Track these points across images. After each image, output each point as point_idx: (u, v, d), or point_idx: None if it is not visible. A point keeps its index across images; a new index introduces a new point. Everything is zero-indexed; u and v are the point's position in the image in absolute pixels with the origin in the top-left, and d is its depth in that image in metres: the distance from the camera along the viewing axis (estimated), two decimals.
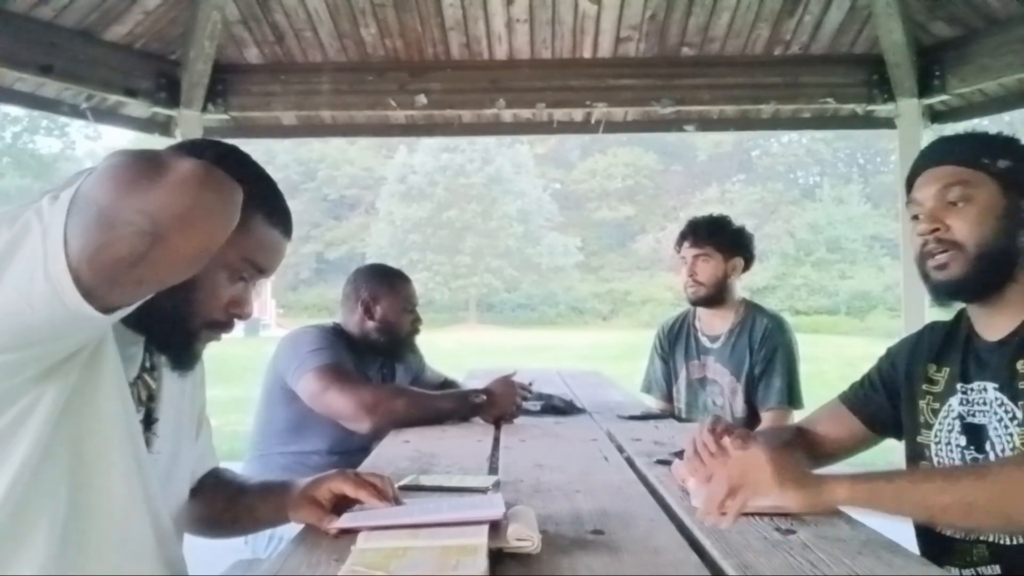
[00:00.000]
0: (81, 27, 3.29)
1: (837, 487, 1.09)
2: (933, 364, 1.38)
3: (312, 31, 3.68)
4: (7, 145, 35.44)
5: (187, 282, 0.96)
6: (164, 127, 3.94)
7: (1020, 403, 1.20)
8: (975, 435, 1.28)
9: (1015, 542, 1.20)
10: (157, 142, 4.12)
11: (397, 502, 1.10)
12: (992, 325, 1.29)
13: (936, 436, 1.35)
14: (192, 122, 3.78)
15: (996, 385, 1.26)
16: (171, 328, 1.00)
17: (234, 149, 1.07)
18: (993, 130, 1.40)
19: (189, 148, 1.03)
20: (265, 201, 1.05)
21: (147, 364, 1.06)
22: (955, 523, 1.19)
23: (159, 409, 1.08)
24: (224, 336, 1.07)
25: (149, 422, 1.06)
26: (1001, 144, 1.29)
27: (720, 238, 2.54)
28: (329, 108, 3.97)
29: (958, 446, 1.31)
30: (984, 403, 1.27)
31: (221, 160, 1.00)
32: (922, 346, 1.42)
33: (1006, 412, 1.23)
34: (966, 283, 1.25)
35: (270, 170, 1.08)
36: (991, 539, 1.22)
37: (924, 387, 1.38)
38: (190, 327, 1.01)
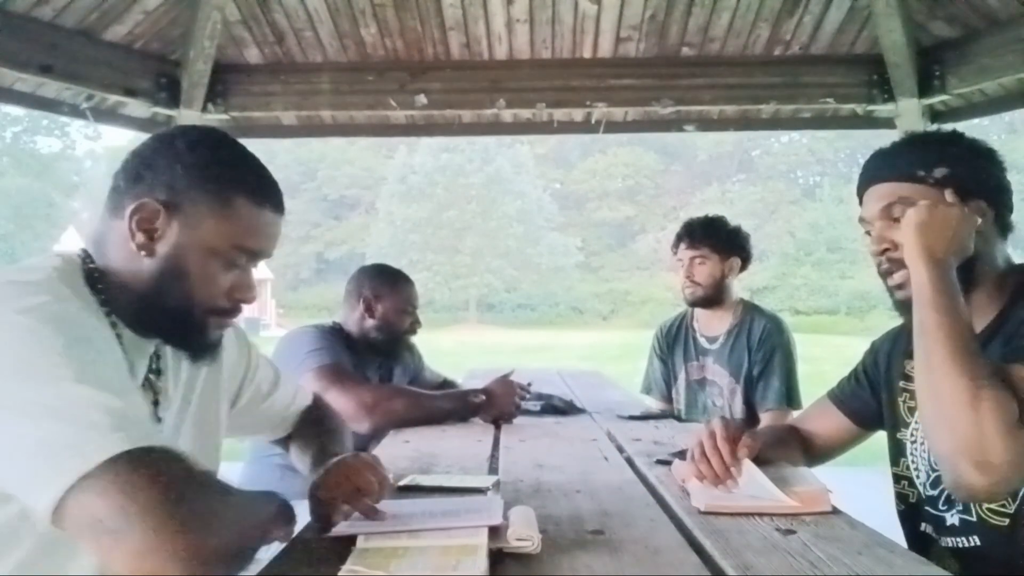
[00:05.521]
0: (81, 27, 3.29)
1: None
2: (910, 360, 1.34)
3: (312, 31, 3.68)
4: (7, 145, 35.48)
5: (181, 275, 0.97)
6: (164, 127, 3.94)
7: None
8: None
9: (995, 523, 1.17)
10: None
11: (376, 512, 1.06)
12: None
13: (912, 435, 1.33)
14: (192, 122, 3.77)
15: None
16: (177, 323, 1.01)
17: (210, 133, 1.05)
18: (973, 129, 1.36)
19: (170, 135, 1.03)
20: (247, 181, 1.01)
21: (153, 367, 1.06)
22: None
23: (165, 407, 1.08)
24: (233, 320, 1.07)
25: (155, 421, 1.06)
26: (937, 151, 1.25)
27: (716, 239, 2.54)
28: (329, 108, 3.96)
29: (928, 449, 1.28)
30: None
31: (196, 145, 0.99)
32: (902, 340, 1.40)
33: None
34: None
35: (270, 170, 1.07)
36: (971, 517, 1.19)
37: (902, 384, 1.37)
38: (194, 318, 1.01)
